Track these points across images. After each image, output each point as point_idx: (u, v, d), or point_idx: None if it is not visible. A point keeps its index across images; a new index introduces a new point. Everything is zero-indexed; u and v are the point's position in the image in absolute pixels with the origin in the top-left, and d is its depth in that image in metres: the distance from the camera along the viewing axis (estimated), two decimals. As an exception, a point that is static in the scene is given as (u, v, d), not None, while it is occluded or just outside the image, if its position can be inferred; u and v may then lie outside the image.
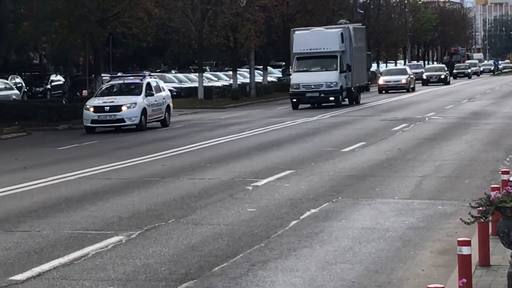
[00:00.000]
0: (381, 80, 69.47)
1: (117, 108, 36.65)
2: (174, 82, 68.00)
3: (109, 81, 41.37)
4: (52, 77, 62.34)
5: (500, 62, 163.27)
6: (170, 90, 63.95)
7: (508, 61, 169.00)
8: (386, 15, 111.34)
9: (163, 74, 71.43)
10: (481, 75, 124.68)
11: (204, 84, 62.60)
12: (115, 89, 39.18)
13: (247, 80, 67.74)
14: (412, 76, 71.38)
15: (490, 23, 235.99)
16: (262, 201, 17.44)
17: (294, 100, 49.89)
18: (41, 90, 58.01)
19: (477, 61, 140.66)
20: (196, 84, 63.11)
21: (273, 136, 32.43)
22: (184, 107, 54.91)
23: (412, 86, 69.61)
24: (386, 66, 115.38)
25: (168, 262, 12.29)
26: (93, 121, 36.94)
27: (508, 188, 10.34)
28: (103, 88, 40.49)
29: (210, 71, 78.05)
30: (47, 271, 11.85)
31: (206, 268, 11.88)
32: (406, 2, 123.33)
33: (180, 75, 71.82)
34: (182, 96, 62.65)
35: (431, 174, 21.03)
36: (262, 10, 63.63)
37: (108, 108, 36.72)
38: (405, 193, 18.31)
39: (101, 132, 36.08)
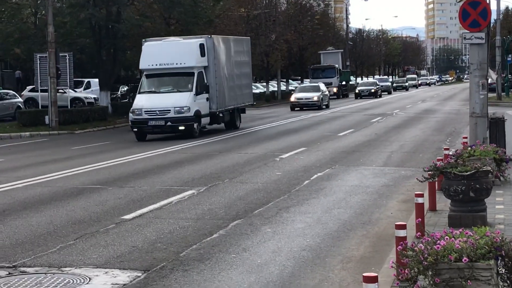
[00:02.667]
0: (293, 98, 47.67)
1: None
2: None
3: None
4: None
5: (443, 76, 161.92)
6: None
7: (448, 76, 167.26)
8: (367, 45, 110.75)
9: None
10: (419, 87, 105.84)
11: (247, 91, 62.57)
12: None
13: (276, 89, 67.60)
14: (326, 93, 48.98)
15: (436, 50, 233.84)
16: (285, 168, 17.43)
17: (135, 129, 26.88)
18: (140, 95, 58.07)
19: (415, 76, 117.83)
20: (242, 91, 63.09)
21: (292, 126, 32.36)
22: (234, 106, 55.04)
23: (325, 103, 47.81)
24: (367, 79, 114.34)
25: (224, 207, 12.32)
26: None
27: (448, 159, 10.29)
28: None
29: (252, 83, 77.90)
30: (146, 213, 11.91)
31: (249, 211, 11.90)
32: (381, 37, 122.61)
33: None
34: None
35: (397, 150, 20.94)
36: (285, 42, 63.49)
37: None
38: (379, 162, 18.23)
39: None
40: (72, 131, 32.36)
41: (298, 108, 45.96)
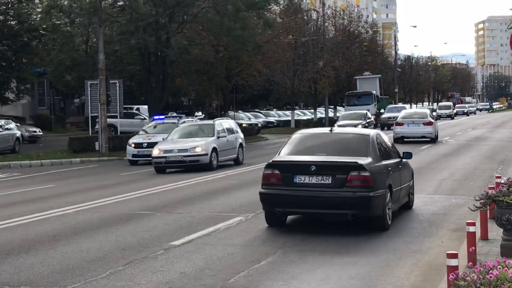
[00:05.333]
0: (156, 150, 25.42)
1: (153, 145, 26.81)
2: (275, 116, 68.48)
3: (152, 121, 32.59)
4: (196, 113, 63.01)
5: (494, 103, 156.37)
6: (272, 122, 64.70)
7: (497, 103, 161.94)
8: (416, 72, 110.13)
9: (268, 111, 71.81)
10: (455, 117, 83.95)
11: (295, 118, 62.77)
12: (155, 129, 30.64)
13: (323, 115, 67.51)
14: (232, 138, 27.37)
15: (486, 77, 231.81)
16: (334, 195, 17.30)
17: None
18: (188, 121, 58.47)
19: (450, 104, 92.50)
20: (289, 118, 63.33)
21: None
22: (281, 133, 55.01)
23: (235, 156, 27.26)
24: (416, 107, 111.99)
25: (272, 234, 12.30)
26: (133, 155, 28.88)
27: (500, 188, 10.15)
28: (145, 128, 31.92)
29: (299, 109, 77.99)
30: (194, 239, 11.95)
31: (298, 238, 11.86)
32: (430, 63, 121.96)
33: (279, 112, 72.15)
34: (280, 125, 63.06)
35: (447, 178, 20.69)
36: (333, 69, 63.53)
37: (145, 144, 28.53)
38: (430, 190, 18.03)
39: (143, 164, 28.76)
40: (121, 157, 32.76)
41: (171, 169, 25.54)
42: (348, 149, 12.79)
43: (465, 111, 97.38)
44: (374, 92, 63.42)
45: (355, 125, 41.79)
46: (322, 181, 12.00)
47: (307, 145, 13.56)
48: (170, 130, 28.40)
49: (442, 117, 78.11)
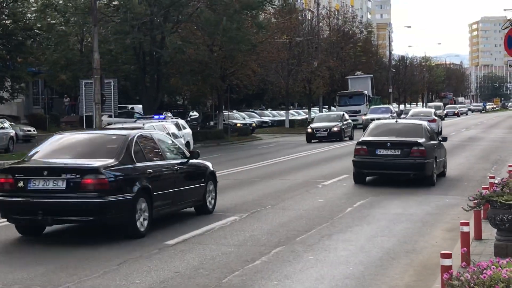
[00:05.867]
0: None
1: None
2: (270, 116, 68.46)
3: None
4: (190, 113, 62.96)
5: (487, 103, 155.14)
6: (266, 122, 64.58)
7: (491, 103, 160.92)
8: (410, 72, 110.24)
9: (262, 111, 71.78)
10: (445, 118, 77.54)
11: (289, 118, 62.74)
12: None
13: (318, 115, 67.53)
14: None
15: (480, 77, 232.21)
16: (328, 195, 17.36)
17: None
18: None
19: (440, 104, 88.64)
20: (284, 118, 63.29)
21: (334, 152, 32.25)
22: (275, 132, 55.06)
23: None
24: (410, 106, 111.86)
25: (266, 234, 12.30)
26: None
27: (494, 188, 10.16)
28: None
29: (293, 109, 77.95)
30: (188, 239, 11.93)
31: (291, 238, 11.86)
32: (424, 64, 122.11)
33: (274, 112, 72.11)
34: (275, 125, 63.02)
35: (441, 178, 20.68)
36: (328, 69, 63.60)
37: None
38: (424, 190, 18.03)
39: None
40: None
41: None
42: (409, 132, 19.08)
43: (456, 111, 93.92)
44: (365, 92, 63.40)
45: (331, 127, 41.08)
46: (394, 153, 18.37)
47: (381, 130, 19.67)
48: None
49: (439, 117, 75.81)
